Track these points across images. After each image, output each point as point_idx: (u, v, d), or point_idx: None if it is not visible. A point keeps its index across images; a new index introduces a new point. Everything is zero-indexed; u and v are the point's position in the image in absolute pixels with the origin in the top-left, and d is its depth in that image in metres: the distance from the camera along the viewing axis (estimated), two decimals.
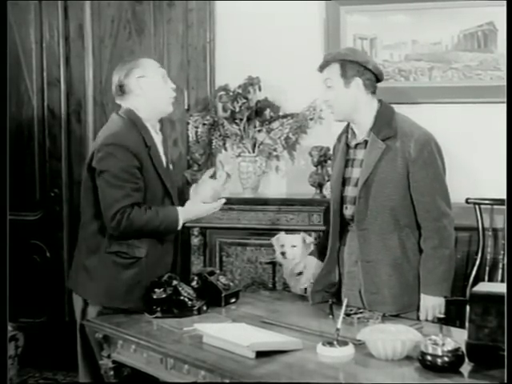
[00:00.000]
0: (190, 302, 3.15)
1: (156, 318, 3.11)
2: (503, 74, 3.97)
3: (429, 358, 2.46)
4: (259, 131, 4.40)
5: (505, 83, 3.62)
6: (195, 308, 3.14)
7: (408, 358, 2.56)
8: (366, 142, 3.19)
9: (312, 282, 3.37)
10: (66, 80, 4.85)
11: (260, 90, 4.38)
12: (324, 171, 4.22)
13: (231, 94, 4.36)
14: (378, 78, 3.21)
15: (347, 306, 2.83)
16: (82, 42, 4.80)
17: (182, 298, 3.15)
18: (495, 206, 3.91)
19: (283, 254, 3.49)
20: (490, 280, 3.90)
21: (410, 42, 4.18)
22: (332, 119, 3.33)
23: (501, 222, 3.89)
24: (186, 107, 4.59)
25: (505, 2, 3.47)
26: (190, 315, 3.11)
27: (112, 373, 3.08)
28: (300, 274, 3.46)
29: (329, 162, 4.12)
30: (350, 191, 3.22)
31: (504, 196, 3.14)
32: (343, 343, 2.63)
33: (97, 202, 3.22)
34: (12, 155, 4.01)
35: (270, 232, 3.89)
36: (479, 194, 3.97)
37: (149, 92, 3.25)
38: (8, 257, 2.90)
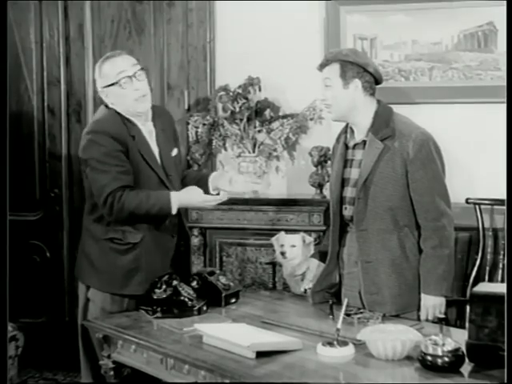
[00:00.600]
0: (190, 302, 3.15)
1: (156, 318, 3.11)
2: (503, 74, 3.96)
3: (429, 358, 2.46)
4: (259, 131, 4.39)
5: (505, 83, 3.62)
6: (195, 308, 3.14)
7: (408, 358, 2.56)
8: (364, 142, 3.19)
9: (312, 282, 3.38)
10: (65, 80, 4.85)
11: (260, 90, 4.38)
12: (324, 171, 4.22)
13: (231, 94, 4.36)
14: (378, 80, 3.21)
15: (347, 306, 2.83)
16: (82, 42, 4.80)
17: (182, 298, 3.15)
18: (495, 206, 3.90)
19: (283, 253, 3.49)
20: (490, 280, 3.90)
21: (410, 42, 4.17)
22: (330, 119, 3.33)
23: (501, 222, 3.89)
24: (186, 107, 4.59)
25: (505, 2, 3.48)
26: (190, 315, 3.11)
27: (112, 373, 3.09)
28: (303, 276, 3.46)
29: (329, 162, 4.12)
30: (349, 192, 3.22)
31: (504, 196, 3.15)
32: (343, 343, 2.63)
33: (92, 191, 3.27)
34: (12, 155, 4.01)
35: (270, 232, 3.88)
36: (479, 194, 3.96)
37: (114, 98, 3.28)
38: (8, 257, 2.91)
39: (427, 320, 3.10)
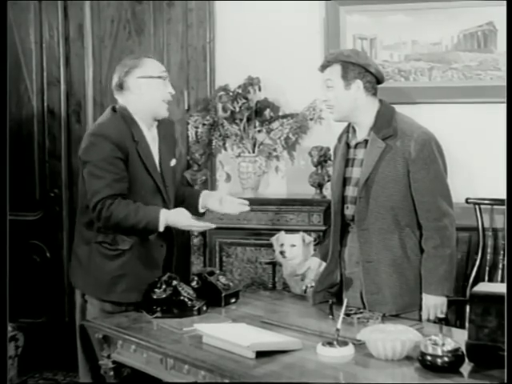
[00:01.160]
0: (189, 302, 3.15)
1: (156, 318, 3.11)
2: (503, 74, 3.96)
3: (429, 358, 2.46)
4: (259, 131, 4.40)
5: (505, 83, 3.62)
6: (195, 308, 3.14)
7: (408, 358, 2.56)
8: (366, 141, 3.19)
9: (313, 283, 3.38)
10: (65, 80, 4.85)
11: (260, 90, 4.38)
12: (324, 171, 4.22)
13: (231, 94, 4.36)
14: (379, 80, 3.22)
15: (347, 306, 2.83)
16: (82, 42, 4.80)
17: (181, 298, 3.15)
18: (495, 206, 3.90)
19: (282, 253, 3.49)
20: (490, 280, 3.90)
21: (410, 42, 4.17)
22: (332, 119, 3.33)
23: (501, 222, 3.89)
24: (186, 107, 4.59)
25: (505, 2, 3.48)
26: (190, 315, 3.11)
27: (112, 373, 3.08)
28: (303, 275, 3.46)
29: (329, 162, 4.12)
30: (351, 191, 3.22)
31: (504, 196, 3.14)
32: (343, 343, 2.63)
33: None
34: (12, 155, 4.01)
35: (270, 232, 3.88)
36: (479, 193, 3.96)
37: (146, 93, 3.25)
38: (8, 257, 2.91)
39: (428, 320, 3.10)
